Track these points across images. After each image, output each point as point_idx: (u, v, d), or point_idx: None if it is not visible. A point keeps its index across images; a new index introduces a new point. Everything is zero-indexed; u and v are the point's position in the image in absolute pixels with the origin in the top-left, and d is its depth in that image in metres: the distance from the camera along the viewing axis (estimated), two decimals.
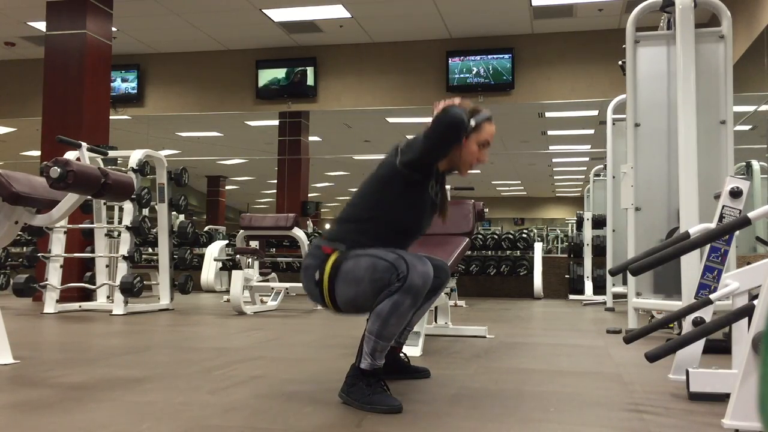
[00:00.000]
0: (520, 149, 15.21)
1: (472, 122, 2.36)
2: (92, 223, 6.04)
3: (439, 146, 2.26)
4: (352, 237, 2.27)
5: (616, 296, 6.42)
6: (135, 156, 5.69)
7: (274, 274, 6.84)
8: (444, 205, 2.48)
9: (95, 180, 2.68)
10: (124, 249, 5.49)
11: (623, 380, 2.66)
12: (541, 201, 25.72)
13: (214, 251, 7.91)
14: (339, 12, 8.76)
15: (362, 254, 2.19)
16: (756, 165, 6.66)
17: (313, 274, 2.24)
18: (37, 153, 7.67)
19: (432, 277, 2.15)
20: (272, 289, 6.26)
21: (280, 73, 10.26)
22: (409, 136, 2.37)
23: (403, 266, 2.09)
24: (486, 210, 4.20)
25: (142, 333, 4.17)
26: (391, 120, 12.29)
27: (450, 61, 9.62)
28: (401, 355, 2.71)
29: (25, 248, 8.02)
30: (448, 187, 7.94)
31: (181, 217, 8.81)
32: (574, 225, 9.41)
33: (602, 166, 7.95)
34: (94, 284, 5.88)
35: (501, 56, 9.49)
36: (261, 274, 6.53)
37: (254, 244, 6.63)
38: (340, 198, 24.21)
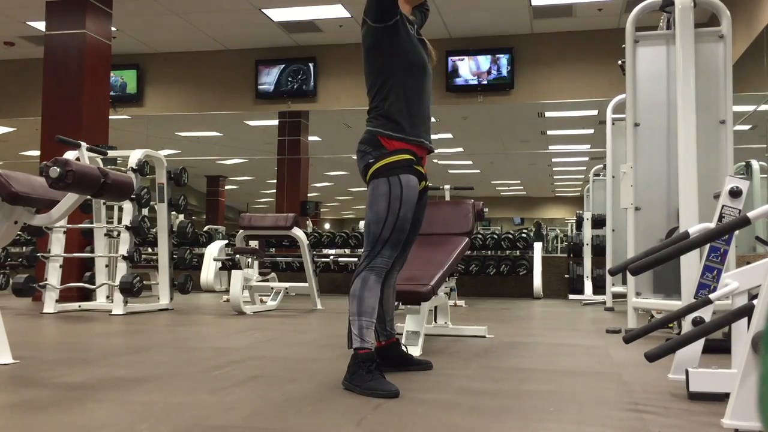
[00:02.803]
0: (520, 149, 15.21)
1: None
2: (92, 223, 6.04)
3: None
4: (389, 119, 2.56)
5: (615, 296, 6.42)
6: (134, 156, 5.68)
7: (273, 274, 6.84)
8: (427, 42, 2.71)
9: (95, 180, 2.67)
10: (123, 249, 5.49)
11: (623, 380, 2.66)
12: (541, 201, 25.71)
13: (213, 251, 7.90)
14: (339, 12, 8.75)
15: (392, 192, 2.45)
16: (755, 165, 6.66)
17: (368, 159, 2.54)
18: (37, 153, 7.66)
19: (390, 262, 2.51)
20: (272, 288, 6.26)
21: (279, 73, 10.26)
22: None
23: (378, 249, 2.46)
24: (485, 210, 4.21)
25: (141, 333, 4.17)
26: None
27: (450, 61, 9.62)
28: (403, 347, 2.87)
29: (24, 248, 8.02)
30: (447, 186, 7.87)
31: (181, 216, 8.81)
32: (574, 225, 9.41)
33: (602, 165, 7.95)
34: (93, 284, 5.88)
35: (501, 56, 9.49)
36: (260, 273, 6.53)
37: (254, 243, 6.63)
38: (340, 198, 24.21)
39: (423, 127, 2.62)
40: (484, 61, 9.54)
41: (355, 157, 2.60)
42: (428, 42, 2.72)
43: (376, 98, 2.61)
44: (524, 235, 8.70)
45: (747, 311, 2.04)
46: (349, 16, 8.88)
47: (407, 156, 2.52)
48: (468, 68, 9.59)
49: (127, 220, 5.52)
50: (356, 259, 7.98)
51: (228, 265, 7.72)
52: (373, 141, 2.54)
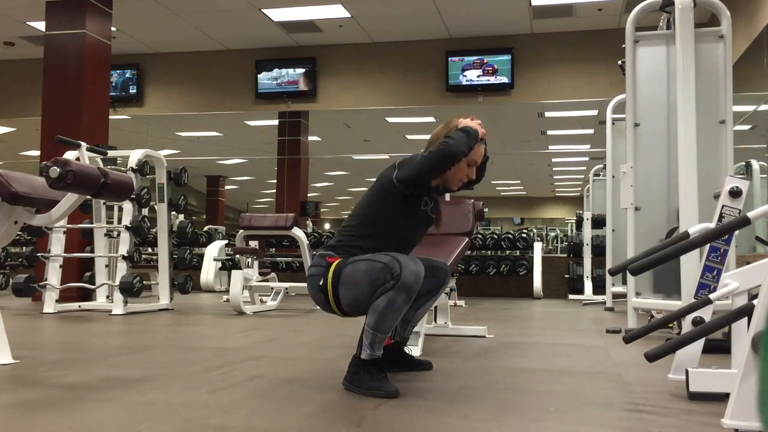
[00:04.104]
0: (520, 149, 15.22)
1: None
2: (92, 223, 6.04)
3: (434, 171, 2.45)
4: (352, 247, 2.44)
5: (615, 296, 6.42)
6: (134, 156, 5.68)
7: (273, 274, 6.84)
8: (439, 218, 2.64)
9: (95, 180, 2.67)
10: (123, 249, 5.49)
11: (623, 380, 2.66)
12: (541, 201, 25.72)
13: (213, 251, 7.91)
14: (338, 12, 8.75)
15: (359, 259, 2.38)
16: (755, 164, 6.66)
17: (318, 282, 2.42)
18: (37, 153, 7.66)
19: (423, 275, 2.30)
20: (272, 288, 6.26)
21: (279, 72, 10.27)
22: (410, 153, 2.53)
23: (397, 266, 2.26)
24: (485, 210, 4.20)
25: (141, 333, 4.17)
26: (390, 120, 12.29)
27: (450, 61, 9.62)
28: (405, 349, 2.85)
29: (24, 248, 8.02)
30: None
31: (181, 216, 8.81)
32: (574, 225, 9.41)
33: (602, 165, 7.95)
34: (93, 284, 5.88)
35: (501, 56, 9.49)
36: (260, 273, 6.53)
37: (254, 243, 6.62)
38: (340, 198, 24.21)
39: None
40: (485, 60, 9.53)
41: (307, 283, 2.49)
42: (440, 214, 2.63)
43: (351, 229, 2.50)
44: (524, 235, 8.70)
45: (747, 311, 2.04)
46: (349, 16, 8.88)
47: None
48: (467, 68, 9.58)
49: (127, 220, 5.52)
50: None
51: (228, 265, 7.73)
52: (322, 262, 2.43)
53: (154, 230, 6.10)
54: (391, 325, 2.31)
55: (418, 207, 2.53)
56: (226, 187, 19.34)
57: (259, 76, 10.31)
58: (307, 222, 11.51)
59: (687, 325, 2.44)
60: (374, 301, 2.28)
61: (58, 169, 2.54)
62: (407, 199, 2.47)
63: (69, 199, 2.80)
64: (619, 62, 4.90)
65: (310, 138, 11.91)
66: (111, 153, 6.05)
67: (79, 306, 5.67)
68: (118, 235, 5.85)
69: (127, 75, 10.65)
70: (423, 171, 2.41)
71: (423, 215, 2.56)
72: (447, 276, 2.68)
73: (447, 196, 7.29)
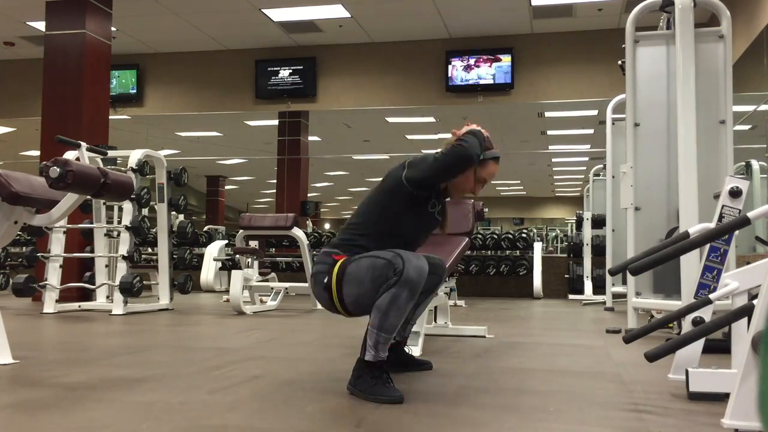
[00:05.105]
0: (520, 149, 15.21)
1: (482, 155, 2.48)
2: (92, 223, 6.04)
3: (446, 173, 2.43)
4: (357, 246, 2.40)
5: (615, 296, 6.42)
6: (134, 156, 5.68)
7: (273, 274, 6.84)
8: (445, 220, 2.62)
9: (94, 180, 2.67)
10: (123, 249, 5.49)
11: (623, 380, 2.66)
12: (541, 201, 25.71)
13: (213, 251, 7.91)
14: (338, 12, 8.75)
15: (362, 257, 2.34)
16: (755, 165, 6.66)
17: (323, 280, 2.38)
18: (37, 153, 7.66)
19: (427, 270, 2.27)
20: (272, 288, 6.26)
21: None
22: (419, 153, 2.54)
23: (399, 262, 2.23)
24: (485, 210, 4.20)
25: (141, 333, 4.17)
26: (390, 120, 12.29)
27: (450, 61, 9.62)
28: (405, 349, 2.85)
29: (24, 248, 8.02)
30: None
31: (181, 216, 8.80)
32: (574, 225, 9.41)
33: (602, 165, 7.95)
34: (93, 284, 5.87)
35: (500, 56, 9.49)
36: (260, 273, 6.53)
37: (254, 243, 6.62)
38: (340, 198, 24.22)
39: None
40: (484, 61, 9.53)
41: (311, 281, 2.48)
42: (447, 217, 2.62)
43: (356, 227, 2.46)
44: (524, 235, 8.70)
45: (747, 311, 2.04)
46: (349, 16, 8.88)
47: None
48: (467, 68, 9.57)
49: (127, 220, 5.52)
50: None
51: (228, 265, 7.73)
52: (327, 260, 2.39)
53: (154, 230, 6.10)
54: (396, 324, 2.25)
55: (425, 209, 2.49)
56: (226, 187, 19.34)
57: (258, 76, 10.31)
58: (307, 222, 11.51)
59: (687, 325, 2.44)
60: (378, 299, 2.23)
61: (58, 169, 2.54)
62: (415, 200, 2.43)
63: (69, 199, 2.80)
64: (619, 62, 4.90)
65: (310, 138, 11.91)
66: (111, 153, 6.05)
67: (79, 306, 5.67)
68: (118, 235, 5.85)
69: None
70: (437, 172, 2.38)
71: (430, 217, 2.53)
72: (444, 273, 2.67)
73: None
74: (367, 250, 2.37)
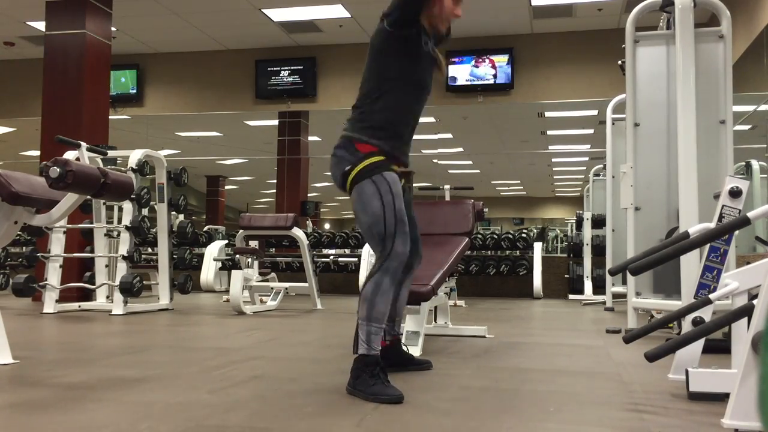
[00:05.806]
0: (520, 149, 15.21)
1: None
2: (92, 223, 6.04)
3: None
4: (370, 125, 2.45)
5: (615, 296, 6.41)
6: (134, 156, 5.68)
7: (273, 274, 6.84)
8: (440, 59, 2.67)
9: (94, 180, 2.67)
10: (123, 249, 5.49)
11: (623, 380, 2.66)
12: (541, 201, 25.70)
13: (213, 251, 7.90)
14: (339, 12, 8.75)
15: (380, 189, 2.39)
16: (755, 165, 6.66)
17: (344, 167, 2.46)
18: (37, 153, 7.66)
19: (407, 257, 2.42)
20: (272, 288, 6.26)
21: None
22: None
23: (389, 246, 2.36)
24: (485, 210, 4.20)
25: (141, 333, 4.17)
26: None
27: (450, 61, 9.61)
28: (404, 348, 2.86)
29: (24, 248, 8.02)
30: (447, 187, 7.85)
31: (181, 216, 8.80)
32: (574, 225, 9.41)
33: (602, 165, 7.95)
34: (93, 284, 5.88)
35: (500, 56, 9.48)
36: (260, 273, 6.53)
37: (254, 243, 6.62)
38: (340, 198, 24.18)
39: (403, 147, 2.56)
40: (483, 61, 9.52)
41: (331, 163, 2.55)
42: (440, 57, 2.68)
43: (365, 100, 2.52)
44: (524, 235, 8.70)
45: (747, 311, 2.04)
46: (349, 16, 8.88)
47: (382, 157, 2.44)
48: (466, 68, 9.57)
49: (127, 220, 5.52)
50: (356, 259, 7.98)
51: (228, 265, 7.73)
52: (349, 146, 2.46)
53: (154, 230, 6.10)
54: (383, 310, 2.34)
55: (421, 47, 2.51)
56: (226, 187, 19.32)
57: (258, 76, 10.30)
58: (307, 222, 11.50)
59: (687, 325, 2.44)
60: (362, 290, 2.37)
61: (58, 169, 2.54)
62: (408, 40, 2.47)
63: (69, 199, 2.80)
64: (619, 62, 4.90)
65: (310, 138, 11.91)
66: (111, 153, 6.05)
67: (79, 306, 5.67)
68: (118, 235, 5.85)
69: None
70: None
71: (427, 55, 2.56)
72: (417, 252, 2.75)
73: (447, 196, 7.30)
74: (386, 123, 2.45)
